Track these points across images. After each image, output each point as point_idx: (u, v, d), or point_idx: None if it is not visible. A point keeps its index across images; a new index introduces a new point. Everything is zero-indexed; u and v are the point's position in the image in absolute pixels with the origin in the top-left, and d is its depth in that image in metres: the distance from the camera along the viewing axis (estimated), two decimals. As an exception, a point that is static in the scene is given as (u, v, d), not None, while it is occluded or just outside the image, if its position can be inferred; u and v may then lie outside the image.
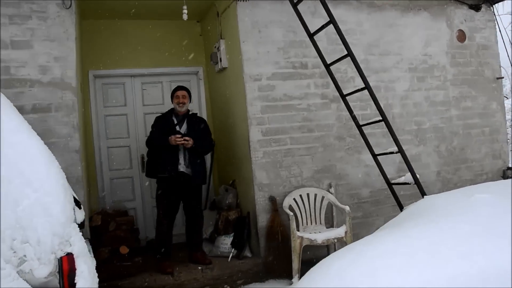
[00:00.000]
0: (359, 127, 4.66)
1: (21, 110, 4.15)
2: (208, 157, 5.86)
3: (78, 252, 2.65)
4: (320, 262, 2.30)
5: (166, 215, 4.64)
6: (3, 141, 2.56)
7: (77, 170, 4.29)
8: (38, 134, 4.15)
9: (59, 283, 2.55)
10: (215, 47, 5.50)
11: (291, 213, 4.44)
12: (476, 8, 6.07)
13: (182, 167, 4.65)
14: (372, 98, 4.34)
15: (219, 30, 5.44)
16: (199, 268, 4.61)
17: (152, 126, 4.83)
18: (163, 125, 4.73)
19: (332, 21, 4.33)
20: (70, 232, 2.65)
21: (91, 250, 3.58)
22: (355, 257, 2.13)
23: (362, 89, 4.43)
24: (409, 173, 4.40)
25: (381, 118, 4.37)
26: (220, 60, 5.35)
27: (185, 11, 4.75)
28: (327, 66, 4.68)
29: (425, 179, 5.46)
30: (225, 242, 4.92)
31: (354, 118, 4.68)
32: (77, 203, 3.25)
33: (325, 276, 2.11)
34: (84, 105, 5.43)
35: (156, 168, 4.66)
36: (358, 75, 5.18)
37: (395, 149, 4.39)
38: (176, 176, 4.60)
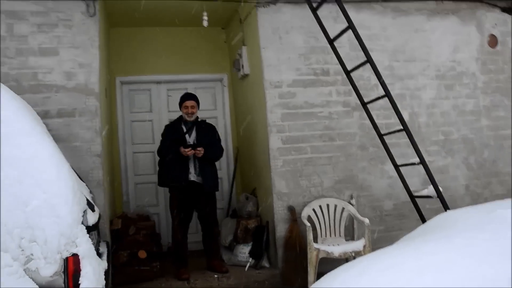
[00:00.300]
0: (380, 136, 4.54)
1: (47, 114, 4.33)
2: (224, 164, 5.89)
3: (83, 253, 2.69)
4: (326, 275, 2.24)
5: (180, 223, 4.65)
6: (14, 143, 2.64)
7: (98, 174, 4.38)
8: (62, 138, 4.33)
9: (64, 282, 2.59)
10: (237, 53, 5.53)
11: (308, 224, 4.35)
12: (509, 11, 5.82)
13: (192, 176, 4.65)
14: (393, 107, 4.23)
15: (242, 37, 5.46)
16: (216, 276, 4.58)
17: (162, 135, 4.85)
18: (172, 134, 4.75)
19: (350, 26, 4.25)
20: (77, 234, 2.69)
21: (106, 253, 3.63)
22: (359, 271, 2.05)
23: (382, 97, 4.33)
24: (431, 186, 4.25)
25: (402, 128, 4.26)
26: (242, 67, 5.36)
27: (205, 18, 4.81)
28: (348, 73, 4.59)
29: (452, 193, 5.26)
30: (243, 251, 4.89)
31: (375, 127, 4.58)
32: (90, 205, 3.32)
33: None
34: (110, 111, 5.58)
35: (167, 177, 4.68)
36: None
37: (417, 160, 4.25)
38: (187, 185, 4.61)
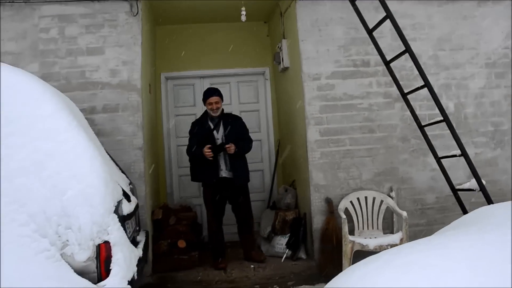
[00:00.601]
0: (421, 127, 4.41)
1: (94, 110, 4.61)
2: (266, 156, 5.95)
3: (115, 241, 2.87)
4: (348, 268, 2.24)
5: (214, 216, 4.77)
6: (53, 138, 2.85)
7: (140, 166, 4.59)
8: (107, 132, 4.59)
9: (96, 267, 2.78)
10: (278, 47, 5.55)
11: (344, 216, 4.32)
12: None
13: (224, 173, 4.73)
14: (432, 96, 4.09)
15: (282, 30, 5.47)
16: (252, 266, 4.68)
17: (189, 132, 4.90)
18: (199, 131, 4.79)
19: (388, 15, 4.15)
20: (109, 222, 2.87)
21: (144, 241, 3.83)
22: (379, 265, 2.02)
23: (421, 87, 4.20)
24: (474, 179, 4.07)
25: (442, 118, 4.10)
26: (282, 60, 5.38)
27: (244, 12, 4.86)
28: (387, 64, 4.49)
29: (502, 187, 5.00)
30: (281, 242, 4.94)
31: (416, 118, 4.44)
32: (126, 196, 3.51)
33: (345, 283, 2.06)
34: (155, 106, 5.81)
35: (199, 175, 4.79)
36: (426, 73, 4.92)
37: (459, 152, 4.08)
38: (218, 181, 4.70)
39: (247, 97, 6.16)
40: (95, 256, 2.76)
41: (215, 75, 6.10)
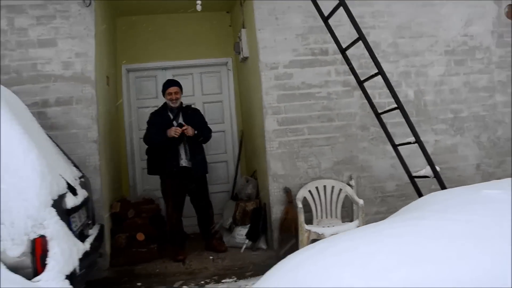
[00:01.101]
0: (377, 115, 4.40)
1: (46, 103, 4.51)
2: (229, 147, 5.92)
3: (52, 235, 2.80)
4: (288, 256, 2.22)
5: (174, 208, 4.73)
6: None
7: (95, 159, 4.52)
8: (61, 125, 4.49)
9: (32, 262, 2.71)
10: (238, 36, 5.49)
11: (300, 206, 4.31)
12: (530, -21, 5.41)
13: (184, 162, 4.71)
14: (386, 84, 4.07)
15: (242, 20, 5.41)
16: (211, 257, 4.66)
17: (148, 122, 4.86)
18: (159, 121, 4.75)
19: (340, 2, 4.11)
20: (45, 216, 2.80)
21: (96, 235, 3.77)
22: (313, 253, 1.99)
23: (375, 74, 4.17)
24: (429, 166, 4.08)
25: (397, 106, 4.09)
26: (242, 50, 5.32)
27: (199, 2, 4.77)
28: (343, 52, 4.45)
29: (461, 173, 5.04)
30: (241, 233, 4.92)
31: (372, 106, 4.43)
32: (72, 189, 3.44)
33: (279, 272, 2.03)
34: (116, 98, 5.72)
35: (158, 166, 4.74)
36: (385, 61, 4.93)
37: (413, 139, 4.08)
38: (178, 171, 4.67)
39: (210, 88, 6.10)
40: (30, 251, 2.70)
41: (178, 66, 6.02)
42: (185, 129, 4.58)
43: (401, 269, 1.54)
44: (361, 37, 4.17)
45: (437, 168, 4.15)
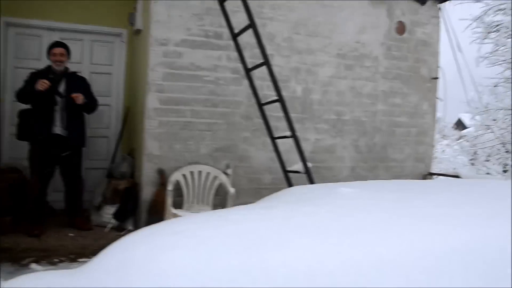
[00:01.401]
0: (260, 106, 4.38)
1: None
2: (113, 123, 5.62)
3: None
4: (126, 235, 2.07)
5: (40, 179, 4.35)
6: None
7: None
8: None
9: None
10: (134, 7, 5.20)
11: (170, 188, 4.17)
12: (421, 1, 5.74)
13: (58, 129, 4.34)
14: (270, 75, 4.07)
15: (140, -10, 5.13)
16: (71, 235, 4.35)
17: (25, 81, 4.43)
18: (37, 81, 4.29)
19: (233, -13, 4.03)
20: None
21: None
22: (150, 233, 1.86)
23: (262, 64, 4.15)
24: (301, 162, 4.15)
25: (277, 98, 4.10)
26: (136, 22, 5.05)
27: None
28: (234, 37, 4.38)
29: (336, 174, 5.21)
30: (109, 212, 4.66)
31: (256, 96, 4.41)
32: None
33: (114, 250, 1.86)
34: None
35: (29, 130, 4.35)
36: (278, 54, 4.94)
37: (289, 133, 4.12)
38: (51, 139, 4.31)
39: (101, 58, 5.71)
40: None
41: (67, 29, 5.55)
42: (76, 96, 4.22)
43: (231, 255, 1.52)
44: (252, 25, 4.13)
45: (309, 165, 4.25)
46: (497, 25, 7.29)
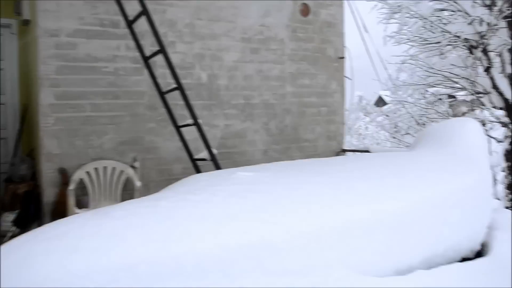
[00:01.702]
0: (161, 95, 4.25)
1: None
2: (10, 123, 5.25)
3: None
4: (16, 238, 1.94)
5: None
6: None
7: None
8: None
9: None
10: (20, -4, 4.83)
11: (71, 187, 3.95)
12: (323, -18, 5.84)
13: None
14: (167, 63, 3.93)
15: (26, -23, 4.77)
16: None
17: None
18: None
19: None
20: None
21: None
22: (33, 236, 1.75)
23: (158, 52, 4.00)
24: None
25: (177, 86, 3.99)
26: (23, 11, 4.69)
27: None
28: (129, 25, 4.20)
29: (249, 157, 5.22)
30: (8, 220, 4.34)
31: (156, 85, 4.27)
32: None
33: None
34: None
35: None
36: (180, 41, 4.80)
37: (191, 121, 4.04)
38: None
39: (-10, 53, 5.29)
40: None
41: None
42: None
43: (110, 253, 1.52)
44: (144, 11, 3.97)
45: (215, 151, 4.19)
46: (399, 6, 7.59)
